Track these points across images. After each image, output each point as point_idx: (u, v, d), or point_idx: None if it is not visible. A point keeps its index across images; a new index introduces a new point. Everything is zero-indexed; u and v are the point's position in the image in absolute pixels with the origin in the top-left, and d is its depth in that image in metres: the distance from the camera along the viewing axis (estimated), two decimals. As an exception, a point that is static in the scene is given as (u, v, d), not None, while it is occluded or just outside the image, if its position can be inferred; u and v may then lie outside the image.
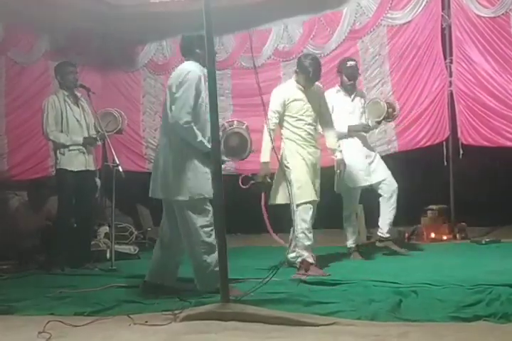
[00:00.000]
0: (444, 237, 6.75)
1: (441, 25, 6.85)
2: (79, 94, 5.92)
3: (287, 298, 3.83)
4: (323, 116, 5.17)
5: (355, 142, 5.74)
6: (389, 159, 6.24)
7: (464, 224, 6.85)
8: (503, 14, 6.44)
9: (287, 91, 5.05)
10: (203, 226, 4.08)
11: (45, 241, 6.12)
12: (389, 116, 5.80)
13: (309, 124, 5.03)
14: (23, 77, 7.46)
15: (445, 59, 6.86)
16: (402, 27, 6.99)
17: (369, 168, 5.72)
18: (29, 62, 7.53)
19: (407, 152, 7.09)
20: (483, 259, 5.27)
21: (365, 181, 5.66)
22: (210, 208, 4.10)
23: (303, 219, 4.86)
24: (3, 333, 3.38)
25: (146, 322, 3.41)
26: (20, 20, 7.11)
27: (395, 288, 3.99)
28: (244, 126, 4.59)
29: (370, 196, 5.98)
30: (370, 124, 5.79)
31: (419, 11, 6.86)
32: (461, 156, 6.77)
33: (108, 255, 6.07)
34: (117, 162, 5.53)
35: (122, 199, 6.39)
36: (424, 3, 6.82)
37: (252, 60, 5.42)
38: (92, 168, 5.91)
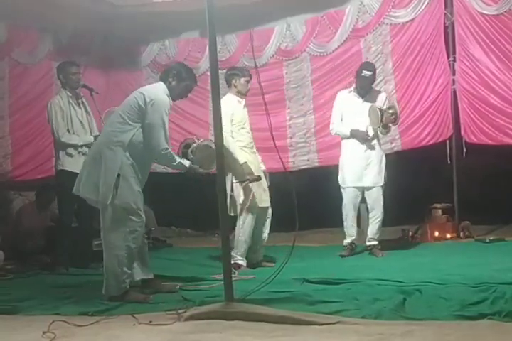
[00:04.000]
0: (448, 236, 6.74)
1: (444, 23, 6.82)
2: (81, 95, 5.92)
3: (291, 297, 3.84)
4: None
5: (355, 143, 5.82)
6: (392, 157, 6.24)
7: (467, 222, 6.84)
8: (506, 12, 6.41)
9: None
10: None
11: (50, 241, 6.13)
12: (387, 122, 5.77)
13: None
14: (27, 77, 7.46)
15: (448, 57, 6.84)
16: (405, 25, 6.97)
17: (363, 171, 5.77)
18: (32, 62, 7.53)
19: (411, 150, 7.07)
20: (487, 258, 5.26)
21: (354, 183, 5.76)
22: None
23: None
24: (8, 333, 3.39)
25: (151, 321, 3.42)
26: (23, 20, 7.13)
27: (399, 286, 3.99)
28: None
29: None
30: (370, 132, 5.81)
31: (421, 9, 6.84)
32: (464, 154, 6.75)
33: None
34: None
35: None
36: (426, 1, 6.79)
37: (254, 60, 5.42)
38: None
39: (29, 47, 7.48)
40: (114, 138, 4.19)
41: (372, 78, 5.95)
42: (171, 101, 4.36)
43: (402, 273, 4.50)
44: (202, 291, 4.25)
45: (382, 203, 5.79)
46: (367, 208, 5.99)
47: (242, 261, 5.28)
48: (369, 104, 5.81)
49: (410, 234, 6.80)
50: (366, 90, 5.89)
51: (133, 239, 4.13)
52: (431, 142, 6.95)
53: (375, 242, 5.84)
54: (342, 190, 5.84)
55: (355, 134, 5.79)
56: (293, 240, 4.08)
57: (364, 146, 5.81)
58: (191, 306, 3.65)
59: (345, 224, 5.83)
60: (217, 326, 3.28)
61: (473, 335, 2.93)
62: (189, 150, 4.47)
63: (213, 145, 4.50)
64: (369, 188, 5.78)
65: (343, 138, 5.96)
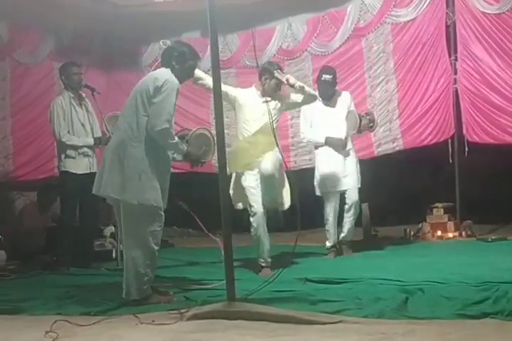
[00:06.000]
0: (450, 235, 6.74)
1: (446, 22, 6.83)
2: (83, 95, 5.92)
3: (293, 296, 3.84)
4: None
5: (330, 149, 5.76)
6: (394, 157, 6.24)
7: (469, 221, 6.83)
8: (507, 11, 6.42)
9: None
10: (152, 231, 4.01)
11: (51, 241, 6.14)
12: (363, 129, 5.82)
13: None
14: (28, 77, 7.47)
15: (450, 56, 6.84)
16: (407, 24, 6.98)
17: (342, 175, 5.76)
18: (34, 62, 7.54)
19: (413, 150, 7.07)
20: (489, 257, 5.25)
21: (340, 186, 5.75)
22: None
23: None
24: (11, 333, 3.39)
25: (153, 321, 3.42)
26: (24, 21, 7.14)
27: (401, 286, 3.99)
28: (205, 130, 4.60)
29: (375, 194, 5.98)
30: (345, 136, 5.78)
31: (423, 8, 6.85)
32: (466, 154, 6.75)
33: (114, 254, 6.10)
34: None
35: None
36: (428, 0, 6.80)
37: (255, 59, 5.41)
38: (96, 170, 5.90)
39: (30, 48, 7.49)
40: (132, 133, 4.01)
41: (334, 82, 5.80)
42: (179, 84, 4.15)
43: (404, 273, 4.49)
44: (204, 291, 4.25)
45: (359, 203, 5.84)
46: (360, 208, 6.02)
47: (264, 263, 5.06)
48: (335, 109, 5.77)
49: (412, 233, 6.81)
50: (329, 94, 5.78)
51: (154, 240, 3.99)
52: (433, 141, 6.95)
53: (349, 239, 5.88)
54: (322, 194, 5.80)
55: (330, 142, 5.73)
56: (295, 240, 4.09)
57: (339, 152, 5.77)
58: (193, 306, 3.64)
59: (326, 227, 5.80)
60: (219, 325, 3.28)
61: (476, 334, 2.92)
62: (184, 141, 4.26)
63: (208, 134, 4.45)
64: (348, 190, 5.77)
65: (316, 146, 5.89)
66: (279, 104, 5.14)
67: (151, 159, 4.01)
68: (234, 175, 5.12)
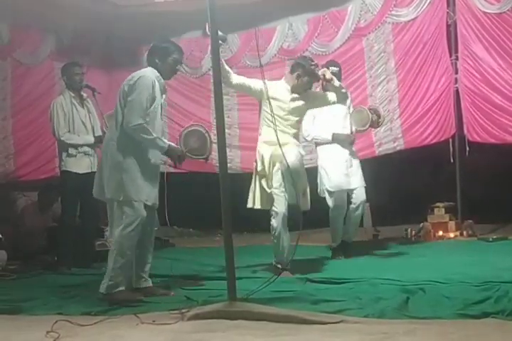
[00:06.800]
0: (451, 235, 6.74)
1: (447, 21, 6.83)
2: (85, 95, 5.93)
3: (294, 296, 3.84)
4: None
5: (335, 147, 5.62)
6: (395, 156, 6.23)
7: (471, 221, 6.83)
8: (508, 10, 6.41)
9: None
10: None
11: (52, 241, 6.14)
12: (373, 125, 5.70)
13: None
14: (29, 77, 7.47)
15: (450, 56, 6.84)
16: (407, 24, 6.97)
17: (349, 174, 5.62)
18: (35, 62, 7.54)
19: (413, 149, 7.07)
20: (490, 256, 5.25)
21: (347, 184, 5.58)
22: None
23: None
24: (12, 333, 3.39)
25: (154, 321, 3.42)
26: (25, 21, 7.14)
27: (402, 285, 3.99)
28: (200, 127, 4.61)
29: (376, 194, 5.97)
30: (353, 133, 5.70)
31: (424, 7, 6.85)
32: (467, 153, 6.75)
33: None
34: None
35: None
36: (428, 0, 6.80)
37: (258, 58, 5.39)
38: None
39: (31, 48, 7.50)
40: (114, 132, 4.12)
41: (340, 75, 5.65)
42: (163, 80, 4.19)
43: (405, 272, 4.49)
44: (205, 291, 4.25)
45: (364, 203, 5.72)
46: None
47: (282, 266, 4.77)
48: (339, 105, 5.46)
49: (413, 233, 6.80)
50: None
51: (128, 241, 4.03)
52: (434, 141, 6.95)
53: (352, 239, 5.78)
54: (328, 194, 5.57)
55: (338, 138, 5.57)
56: (296, 239, 4.09)
57: (345, 149, 5.63)
58: (194, 306, 3.64)
59: (335, 227, 5.62)
60: (220, 325, 3.28)
61: (477, 334, 2.92)
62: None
63: (201, 129, 4.45)
64: (356, 189, 5.62)
65: (319, 144, 5.71)
66: (306, 102, 4.91)
67: (133, 156, 4.05)
68: (256, 177, 4.85)
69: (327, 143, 5.62)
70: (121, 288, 4.05)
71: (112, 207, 4.17)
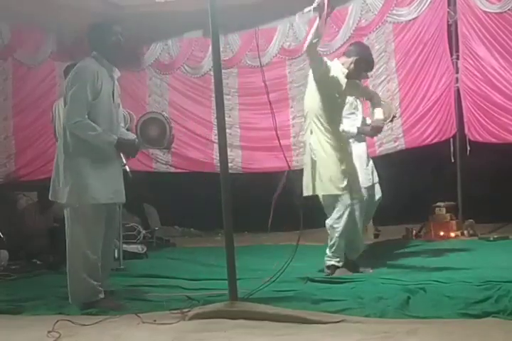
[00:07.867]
0: (452, 234, 6.73)
1: (448, 21, 6.82)
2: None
3: (295, 296, 3.84)
4: None
5: (360, 143, 5.52)
6: (396, 156, 6.22)
7: (471, 220, 6.83)
8: (509, 9, 6.41)
9: None
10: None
11: (53, 241, 6.14)
12: (392, 119, 5.66)
13: None
14: (30, 78, 7.48)
15: (451, 55, 6.84)
16: (408, 24, 6.97)
17: (369, 169, 5.56)
18: (35, 63, 7.56)
19: (414, 149, 7.07)
20: (491, 256, 5.25)
21: (369, 181, 5.49)
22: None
23: None
24: (13, 333, 3.39)
25: (155, 321, 3.42)
26: (26, 21, 7.15)
27: (403, 285, 3.98)
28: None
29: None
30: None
31: (424, 7, 6.84)
32: (468, 153, 6.74)
33: (116, 254, 6.08)
34: (124, 162, 5.53)
35: (129, 199, 6.39)
36: (429, -1, 6.81)
37: (259, 58, 5.37)
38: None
39: (32, 48, 7.51)
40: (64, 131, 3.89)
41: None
42: (112, 68, 3.91)
43: (406, 272, 4.49)
44: (205, 290, 4.25)
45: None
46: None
47: (338, 263, 4.62)
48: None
49: (414, 232, 6.80)
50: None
51: (92, 245, 3.80)
52: (434, 140, 6.95)
53: None
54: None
55: (364, 130, 5.20)
56: (297, 239, 4.08)
57: (364, 143, 5.52)
58: (195, 305, 3.65)
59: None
60: (221, 325, 3.28)
61: (478, 333, 2.92)
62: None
63: (160, 117, 4.21)
64: (374, 185, 5.53)
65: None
66: (349, 90, 4.71)
67: (83, 155, 3.81)
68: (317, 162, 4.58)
69: (352, 137, 5.29)
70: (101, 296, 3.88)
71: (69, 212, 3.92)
